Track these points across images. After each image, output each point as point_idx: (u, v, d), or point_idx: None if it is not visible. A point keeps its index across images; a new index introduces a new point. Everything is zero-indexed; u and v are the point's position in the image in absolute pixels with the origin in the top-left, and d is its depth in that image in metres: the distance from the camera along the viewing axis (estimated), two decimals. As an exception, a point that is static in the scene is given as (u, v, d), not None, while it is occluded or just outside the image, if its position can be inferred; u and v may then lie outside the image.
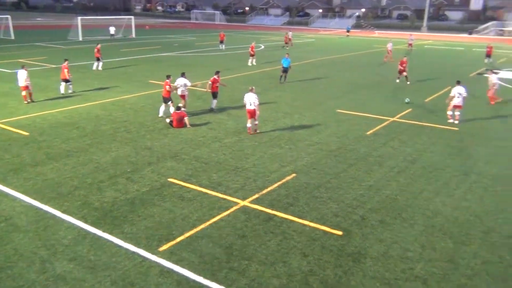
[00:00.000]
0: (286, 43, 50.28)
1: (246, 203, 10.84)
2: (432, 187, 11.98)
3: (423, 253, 8.85)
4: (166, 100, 18.27)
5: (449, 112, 18.49)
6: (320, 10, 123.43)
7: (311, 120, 18.49)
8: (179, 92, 18.68)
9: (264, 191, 11.52)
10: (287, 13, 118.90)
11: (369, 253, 8.80)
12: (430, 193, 11.64)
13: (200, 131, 16.62)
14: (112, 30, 57.04)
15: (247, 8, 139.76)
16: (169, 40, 55.80)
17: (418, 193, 11.59)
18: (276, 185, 11.93)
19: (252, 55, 34.74)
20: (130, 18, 62.41)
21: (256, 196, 11.23)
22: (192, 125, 17.14)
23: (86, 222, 9.81)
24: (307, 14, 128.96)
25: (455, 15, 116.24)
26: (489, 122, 18.86)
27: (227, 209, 10.52)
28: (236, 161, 13.65)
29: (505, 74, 32.74)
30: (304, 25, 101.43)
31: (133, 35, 59.03)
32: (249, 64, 34.35)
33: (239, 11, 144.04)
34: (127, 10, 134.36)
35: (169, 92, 18.14)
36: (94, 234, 9.31)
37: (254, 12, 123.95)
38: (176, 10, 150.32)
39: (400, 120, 18.75)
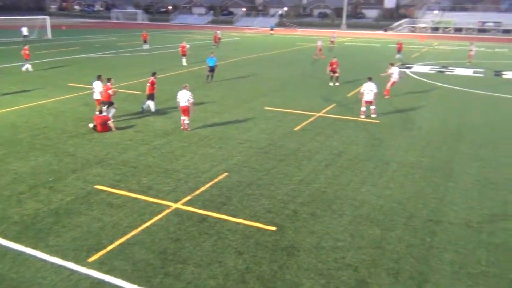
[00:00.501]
0: (215, 42, 50.02)
1: (178, 205, 10.66)
2: (358, 178, 12.51)
3: (353, 242, 9.22)
4: (106, 103, 17.41)
5: (363, 109, 18.96)
6: (244, 9, 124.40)
7: (240, 118, 18.59)
8: (95, 96, 17.88)
9: (197, 192, 11.39)
10: (211, 12, 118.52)
11: (302, 246, 9.01)
12: (357, 183, 12.15)
13: (126, 134, 16.09)
14: (25, 31, 53.42)
15: (170, 7, 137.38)
16: (89, 40, 53.43)
17: (345, 185, 12.06)
18: (208, 185, 11.85)
19: (183, 55, 34.19)
20: (45, 18, 58.87)
21: (189, 197, 11.08)
22: (117, 128, 16.55)
23: (5, 238, 9.12)
24: (231, 13, 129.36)
25: (371, 13, 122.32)
26: (406, 113, 20.05)
27: (159, 213, 10.27)
28: (166, 163, 13.38)
29: (418, 68, 35.06)
30: (228, 24, 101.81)
31: (49, 35, 55.76)
32: (185, 64, 33.78)
33: (161, 10, 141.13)
34: (41, 10, 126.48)
35: (110, 95, 17.35)
36: (16, 250, 8.68)
37: (178, 11, 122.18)
38: (95, 9, 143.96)
39: (326, 115, 19.40)
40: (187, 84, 16.86)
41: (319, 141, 15.78)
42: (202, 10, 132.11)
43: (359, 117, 18.77)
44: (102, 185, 11.72)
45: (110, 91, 17.35)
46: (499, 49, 53.78)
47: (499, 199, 11.33)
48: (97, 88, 17.78)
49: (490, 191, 11.80)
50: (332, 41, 49.42)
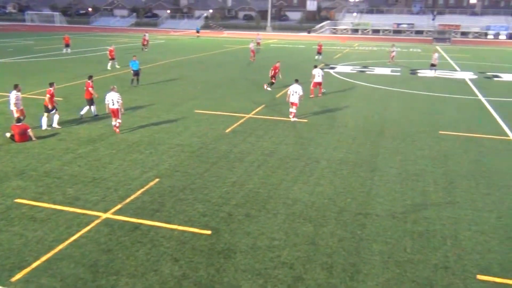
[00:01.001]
0: (144, 45, 48.45)
1: (108, 215, 10.25)
2: (289, 177, 12.78)
3: (288, 240, 9.39)
4: (48, 110, 16.86)
5: (291, 110, 19.07)
6: (168, 11, 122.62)
7: (170, 122, 18.27)
8: (11, 107, 16.66)
9: (127, 200, 11.03)
10: (134, 14, 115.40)
11: (238, 248, 9.03)
12: (289, 182, 12.40)
13: (48, 143, 15.20)
14: None
15: (90, 9, 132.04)
16: (1, 44, 49.85)
17: (278, 184, 12.26)
18: (139, 192, 11.52)
19: (112, 59, 32.88)
20: None
21: (119, 206, 10.69)
22: (38, 137, 15.60)
23: None
24: (155, 15, 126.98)
25: (294, 16, 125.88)
26: (332, 112, 20.80)
27: (87, 224, 9.81)
28: (94, 171, 12.82)
29: (341, 68, 36.53)
30: (152, 26, 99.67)
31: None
32: (109, 68, 32.48)
33: (81, 12, 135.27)
34: None
35: (52, 101, 16.82)
36: None
37: (98, 13, 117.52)
38: (7, 11, 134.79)
39: (256, 116, 19.62)
40: (114, 86, 16.92)
41: (250, 142, 15.92)
42: (125, 12, 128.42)
43: (289, 119, 19.16)
44: (23, 198, 10.98)
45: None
46: (413, 49, 57.50)
47: (419, 189, 12.09)
48: (12, 99, 16.49)
49: (410, 182, 12.56)
50: (258, 43, 50.09)
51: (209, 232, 9.63)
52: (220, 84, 27.64)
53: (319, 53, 41.50)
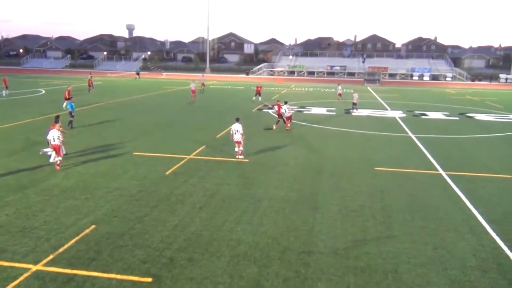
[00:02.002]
0: (89, 86, 47.80)
1: (39, 267, 9.53)
2: (232, 218, 12.63)
3: (232, 283, 9.17)
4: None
5: (236, 149, 19.41)
6: (105, 53, 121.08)
7: (108, 165, 17.64)
8: None
9: (61, 250, 10.34)
10: (69, 55, 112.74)
11: (181, 295, 8.67)
12: (232, 223, 12.25)
13: (-28, 192, 14.09)
14: None
15: (21, 50, 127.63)
16: None
17: (221, 225, 12.06)
18: (73, 240, 10.85)
19: (68, 99, 31.23)
20: None
21: (51, 257, 9.99)
22: (-40, 185, 14.45)
23: None
24: (90, 57, 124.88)
25: (232, 58, 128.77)
26: (273, 151, 21.08)
27: (15, 278, 9.04)
28: (23, 220, 11.97)
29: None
30: (89, 68, 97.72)
31: None
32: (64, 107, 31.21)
33: (11, 53, 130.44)
34: None
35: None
36: None
37: (30, 55, 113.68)
38: None
39: (197, 157, 19.45)
40: (54, 123, 17.50)
41: (192, 183, 15.68)
42: (58, 53, 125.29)
43: (234, 157, 19.14)
44: None
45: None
46: (346, 90, 60.30)
47: (359, 225, 12.37)
48: None
49: (351, 218, 12.84)
50: (202, 83, 51.27)
51: (149, 279, 9.21)
52: (159, 126, 27.29)
53: (258, 94, 42.47)
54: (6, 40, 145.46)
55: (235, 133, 19.01)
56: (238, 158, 19.14)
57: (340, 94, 45.70)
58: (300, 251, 10.67)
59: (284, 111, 27.07)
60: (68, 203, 13.41)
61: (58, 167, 16.74)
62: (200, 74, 64.12)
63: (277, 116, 27.93)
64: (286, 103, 28.36)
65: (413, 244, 11.23)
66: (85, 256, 10.12)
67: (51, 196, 13.93)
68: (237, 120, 19.66)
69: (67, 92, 32.63)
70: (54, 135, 16.77)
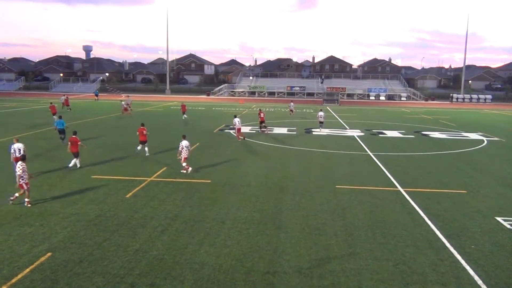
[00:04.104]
0: (67, 105, 51.12)
1: (-10, 299, 9.00)
2: (195, 240, 12.42)
3: (196, 307, 8.95)
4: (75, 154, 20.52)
5: (184, 164, 20.10)
6: (61, 74, 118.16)
7: (64, 190, 17.03)
8: None
9: (14, 280, 9.81)
10: (22, 77, 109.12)
11: (143, 322, 8.38)
12: (195, 245, 12.04)
13: None
14: None
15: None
16: None
17: (183, 248, 11.83)
18: (28, 269, 10.33)
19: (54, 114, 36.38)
20: None
21: (3, 288, 9.47)
22: None
23: None
24: (46, 79, 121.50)
25: (193, 79, 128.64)
26: (234, 171, 21.02)
27: (-37, 313, 8.49)
28: (-28, 250, 11.31)
29: (245, 128, 37.52)
30: (44, 90, 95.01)
31: None
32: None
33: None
34: None
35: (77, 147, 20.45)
36: None
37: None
38: None
39: (157, 179, 19.11)
40: (17, 138, 19.27)
41: (153, 206, 15.35)
42: (12, 75, 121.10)
43: (199, 176, 18.97)
44: None
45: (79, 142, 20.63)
46: (306, 109, 61.39)
47: (322, 243, 12.45)
48: None
49: (314, 237, 12.91)
50: (128, 105, 49.70)
51: (110, 307, 8.86)
52: (120, 147, 26.70)
53: (183, 112, 44.57)
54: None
55: (185, 150, 19.97)
56: (187, 172, 19.96)
57: (291, 111, 50.78)
58: (264, 272, 10.59)
59: (235, 124, 30.69)
60: (22, 230, 12.80)
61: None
62: (126, 95, 65.71)
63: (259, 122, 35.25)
64: (235, 116, 31.69)
65: (375, 260, 11.39)
66: (41, 285, 9.65)
67: (2, 224, 13.25)
68: (184, 137, 20.56)
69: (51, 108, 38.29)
70: (20, 148, 18.23)
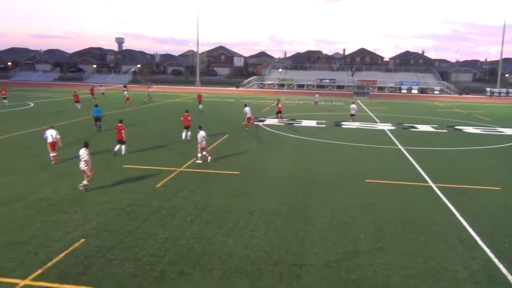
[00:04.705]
0: (92, 94, 54.81)
1: (27, 281, 9.37)
2: (223, 230, 12.56)
3: (224, 297, 9.09)
4: (121, 141, 21.70)
5: (199, 155, 20.54)
6: (94, 66, 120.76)
7: (97, 178, 17.44)
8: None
9: (49, 264, 10.19)
10: (58, 68, 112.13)
11: (172, 309, 8.57)
12: (223, 236, 12.17)
13: (-42, 206, 13.87)
14: None
15: (9, 63, 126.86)
16: None
17: (212, 238, 11.98)
18: (62, 254, 10.70)
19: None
20: None
21: (40, 271, 9.83)
22: None
23: None
24: (80, 70, 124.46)
25: (223, 71, 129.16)
26: (263, 164, 21.07)
27: (2, 294, 8.88)
28: (10, 235, 11.78)
29: (269, 121, 37.55)
30: (78, 81, 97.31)
31: None
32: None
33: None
34: None
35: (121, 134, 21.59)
36: None
37: (19, 68, 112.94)
38: None
39: (187, 169, 19.37)
40: (52, 125, 20.47)
41: (182, 196, 15.59)
42: (47, 66, 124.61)
43: (229, 167, 19.14)
44: None
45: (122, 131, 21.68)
46: (336, 103, 60.80)
47: (350, 237, 12.37)
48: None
49: (342, 230, 12.84)
50: (150, 96, 54.26)
51: (140, 294, 9.09)
52: (150, 138, 27.17)
53: (200, 102, 45.51)
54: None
55: (202, 140, 20.41)
56: (198, 162, 20.38)
57: (316, 102, 53.36)
58: (291, 264, 10.63)
59: (245, 113, 31.81)
60: (57, 216, 13.25)
61: (54, 161, 19.55)
62: (147, 86, 67.29)
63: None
64: (246, 105, 33.03)
65: (404, 255, 11.25)
66: (75, 270, 9.98)
67: (38, 210, 13.74)
68: (200, 128, 20.94)
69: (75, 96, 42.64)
70: (52, 134, 19.77)
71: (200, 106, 44.92)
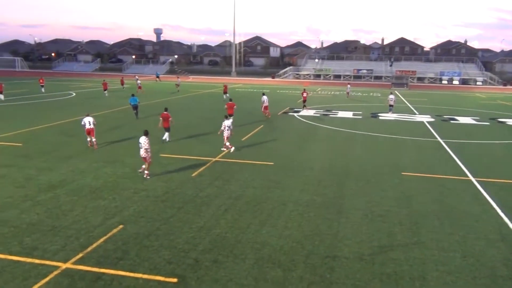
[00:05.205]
0: (122, 84, 57.67)
1: (68, 265, 9.76)
2: (257, 220, 12.64)
3: (257, 286, 9.17)
4: (167, 129, 22.63)
5: (227, 143, 20.97)
6: (133, 56, 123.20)
7: (134, 167, 17.92)
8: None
9: (89, 249, 10.57)
10: (98, 59, 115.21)
11: (206, 296, 8.72)
12: (256, 226, 12.26)
13: (5, 191, 14.54)
14: None
15: (53, 54, 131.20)
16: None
17: (245, 228, 12.09)
18: (102, 240, 11.08)
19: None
20: None
21: (80, 255, 10.22)
22: (-6, 184, 14.95)
23: None
24: (119, 60, 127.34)
25: (258, 61, 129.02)
26: (297, 155, 21.00)
27: (45, 275, 9.28)
28: (53, 220, 12.29)
29: (305, 112, 37.29)
30: (117, 71, 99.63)
31: None
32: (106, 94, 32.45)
33: (43, 57, 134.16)
34: None
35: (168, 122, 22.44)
36: None
37: (62, 58, 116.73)
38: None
39: (222, 159, 19.56)
40: (88, 112, 21.39)
41: (217, 186, 15.77)
42: (88, 57, 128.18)
43: (263, 158, 19.22)
44: (-24, 250, 10.35)
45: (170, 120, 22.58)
46: (373, 93, 59.65)
47: (385, 230, 12.19)
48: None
49: (376, 223, 12.66)
50: (177, 85, 55.98)
51: (175, 280, 9.31)
52: (185, 128, 27.56)
53: (225, 93, 46.31)
54: (39, 44, 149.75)
55: (227, 129, 20.73)
56: (229, 152, 20.76)
57: (348, 93, 52.57)
58: (325, 256, 10.59)
59: (263, 101, 32.41)
60: (96, 203, 13.70)
61: (95, 146, 20.93)
62: (177, 76, 67.96)
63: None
64: (264, 94, 33.76)
65: (441, 251, 11.00)
66: (113, 255, 10.32)
67: (80, 196, 14.25)
68: (226, 117, 21.48)
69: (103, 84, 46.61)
70: (90, 120, 20.75)
71: (225, 97, 45.58)
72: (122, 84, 58.04)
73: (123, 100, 41.11)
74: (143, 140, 16.31)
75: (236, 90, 59.48)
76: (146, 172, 16.43)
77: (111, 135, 24.61)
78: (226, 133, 20.78)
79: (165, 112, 22.78)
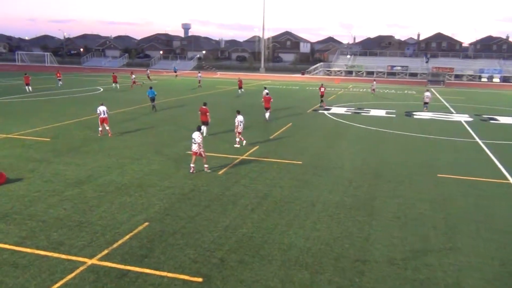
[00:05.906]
0: (148, 78, 60.49)
1: (94, 261, 9.72)
2: (284, 221, 12.32)
3: (283, 289, 8.88)
4: (205, 123, 22.61)
5: (237, 139, 21.19)
6: (161, 52, 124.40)
7: (161, 164, 17.90)
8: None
9: (115, 245, 10.51)
10: (126, 54, 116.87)
11: (230, 298, 8.49)
12: (284, 226, 11.94)
13: (33, 186, 14.73)
14: None
15: (81, 50, 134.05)
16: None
17: (272, 228, 11.79)
18: (127, 236, 11.01)
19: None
20: None
21: (106, 251, 10.17)
22: (19, 178, 15.18)
23: None
24: (147, 56, 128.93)
25: (288, 57, 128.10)
26: (327, 154, 20.55)
27: (72, 271, 9.26)
28: (80, 215, 12.32)
29: (335, 109, 36.66)
30: (145, 67, 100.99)
31: None
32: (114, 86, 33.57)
33: (72, 52, 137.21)
34: None
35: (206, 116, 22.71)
36: None
37: (90, 54, 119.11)
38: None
39: (249, 157, 19.30)
40: (102, 102, 23.10)
41: (244, 184, 15.53)
42: (116, 52, 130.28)
43: (292, 157, 18.89)
44: (5, 243, 10.45)
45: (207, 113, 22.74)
46: (408, 91, 58.21)
47: (418, 234, 11.66)
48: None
49: (410, 227, 12.13)
50: (199, 81, 56.47)
51: (200, 279, 9.12)
52: (212, 125, 27.39)
53: (240, 88, 47.39)
54: (68, 39, 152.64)
55: (239, 125, 20.90)
56: (240, 146, 20.88)
57: (373, 90, 51.36)
58: (354, 259, 10.18)
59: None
60: (123, 199, 13.68)
61: (110, 133, 22.44)
62: (198, 71, 68.94)
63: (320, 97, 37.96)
64: (265, 88, 35.31)
65: (478, 257, 10.41)
66: (138, 252, 10.22)
67: (106, 193, 14.28)
68: (238, 112, 21.36)
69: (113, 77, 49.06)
70: (104, 109, 22.33)
71: (239, 92, 46.36)
72: (148, 77, 61.00)
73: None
74: (196, 135, 16.38)
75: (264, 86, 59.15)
76: (205, 166, 16.83)
77: (138, 131, 24.75)
78: (239, 129, 21.05)
79: (203, 107, 23.02)
